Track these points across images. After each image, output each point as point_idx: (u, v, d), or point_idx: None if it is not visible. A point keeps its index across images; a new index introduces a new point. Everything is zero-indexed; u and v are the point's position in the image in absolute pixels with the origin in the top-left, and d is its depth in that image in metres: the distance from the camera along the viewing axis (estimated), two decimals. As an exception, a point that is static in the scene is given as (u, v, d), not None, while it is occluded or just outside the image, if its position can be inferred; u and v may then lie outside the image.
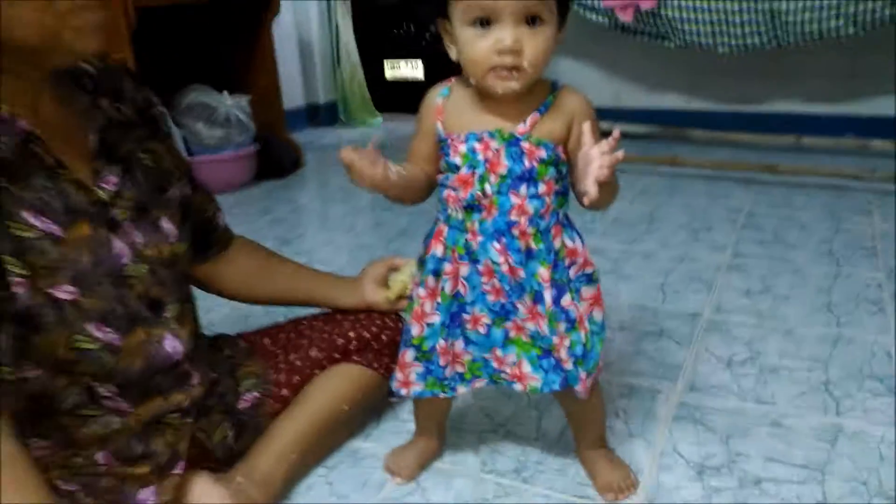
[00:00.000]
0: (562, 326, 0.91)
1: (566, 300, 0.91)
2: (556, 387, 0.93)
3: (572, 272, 0.92)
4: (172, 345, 0.91)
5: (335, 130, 3.81)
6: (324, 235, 2.21)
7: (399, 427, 1.21)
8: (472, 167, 0.87)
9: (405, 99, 4.15)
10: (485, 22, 0.81)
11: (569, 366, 0.92)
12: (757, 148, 2.82)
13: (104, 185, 0.86)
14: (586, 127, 0.82)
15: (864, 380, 1.27)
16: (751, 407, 1.22)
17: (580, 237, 0.93)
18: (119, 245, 0.86)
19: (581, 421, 1.04)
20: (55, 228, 0.79)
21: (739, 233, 2.03)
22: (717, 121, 3.03)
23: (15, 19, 0.72)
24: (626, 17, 2.71)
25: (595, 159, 0.78)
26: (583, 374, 0.92)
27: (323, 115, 3.88)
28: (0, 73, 0.76)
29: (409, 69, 4.40)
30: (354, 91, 3.83)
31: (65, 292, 0.79)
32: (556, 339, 0.91)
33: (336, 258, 1.98)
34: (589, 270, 0.93)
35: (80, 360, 0.82)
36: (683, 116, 3.15)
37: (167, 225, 0.94)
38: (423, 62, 4.35)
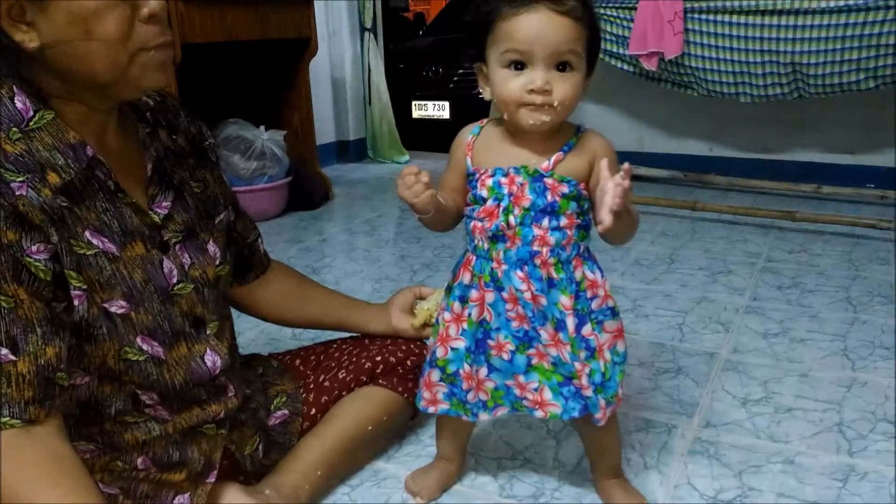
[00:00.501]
0: (582, 355, 0.96)
1: (587, 330, 0.96)
2: (576, 414, 0.97)
3: (595, 304, 0.96)
4: (212, 359, 0.96)
5: (363, 166, 3.92)
6: (350, 265, 2.27)
7: (420, 450, 1.25)
8: (498, 200, 0.93)
9: (432, 137, 4.26)
10: (519, 65, 0.88)
11: (588, 393, 0.96)
12: (777, 195, 2.88)
13: (158, 210, 0.93)
14: (604, 163, 0.87)
15: (877, 422, 1.30)
16: (764, 444, 1.24)
17: (601, 270, 0.98)
18: (169, 265, 0.92)
19: (598, 450, 1.07)
20: (112, 247, 0.86)
21: (758, 277, 2.06)
22: (738, 168, 3.09)
23: (90, 58, 0.79)
24: (650, 65, 2.79)
25: (609, 190, 0.84)
26: (602, 402, 0.96)
27: (352, 151, 3.99)
28: (70, 103, 0.84)
29: (435, 110, 4.52)
30: (383, 129, 3.94)
31: (118, 307, 0.86)
32: (578, 366, 0.96)
33: (361, 288, 2.04)
34: (611, 304, 0.98)
35: (127, 369, 0.88)
36: (705, 162, 3.21)
37: (213, 248, 1.00)
38: (449, 103, 4.47)
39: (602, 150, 0.95)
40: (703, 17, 2.65)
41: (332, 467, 1.12)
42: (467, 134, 1.00)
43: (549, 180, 0.92)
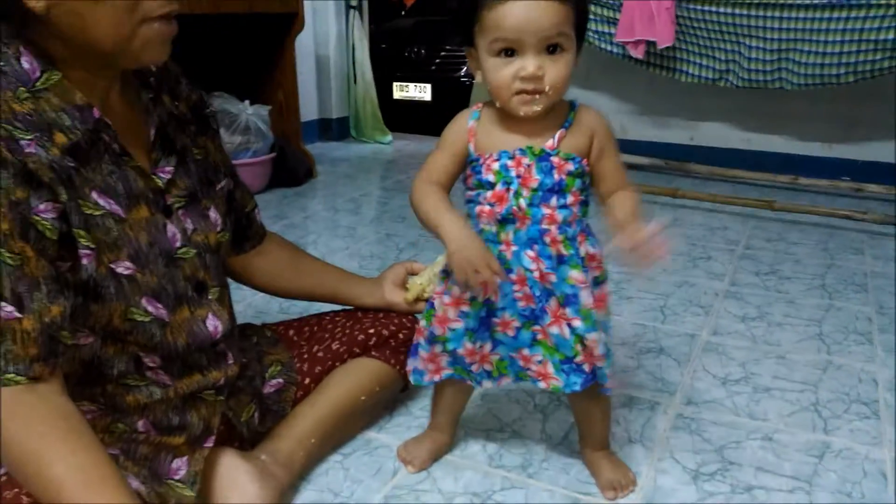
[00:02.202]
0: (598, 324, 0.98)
1: (597, 300, 0.98)
2: (577, 388, 0.99)
3: (590, 276, 0.99)
4: (214, 324, 0.97)
5: (346, 145, 3.91)
6: (335, 242, 2.28)
7: (410, 422, 1.27)
8: (507, 183, 0.94)
9: (413, 119, 4.27)
10: (509, 52, 0.88)
11: (601, 363, 0.98)
12: (755, 185, 2.94)
13: (161, 174, 0.93)
14: (626, 198, 0.95)
15: (851, 403, 1.34)
16: (744, 422, 1.29)
17: (598, 243, 1.01)
18: (172, 229, 0.93)
19: (588, 421, 1.10)
20: (117, 209, 0.86)
21: (737, 263, 2.11)
22: (719, 157, 3.13)
23: (94, 23, 0.78)
24: (637, 53, 2.81)
25: (635, 239, 0.88)
26: (609, 371, 1.00)
27: (334, 129, 3.97)
28: (74, 67, 0.83)
29: (417, 91, 4.52)
30: (367, 109, 3.92)
31: (124, 267, 0.86)
32: (594, 336, 0.96)
33: (347, 264, 2.03)
34: (597, 273, 1.00)
35: (132, 329, 0.88)
36: (686, 151, 3.26)
37: (214, 214, 1.01)
38: (431, 85, 4.47)
39: (599, 126, 0.97)
40: (694, 6, 2.68)
41: (325, 435, 1.13)
42: (467, 119, 0.99)
43: (555, 159, 0.93)
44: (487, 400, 1.34)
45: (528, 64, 0.87)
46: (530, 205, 0.94)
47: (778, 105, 3.04)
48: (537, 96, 0.89)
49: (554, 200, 0.94)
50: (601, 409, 1.08)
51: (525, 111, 0.90)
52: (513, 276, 0.96)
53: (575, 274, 0.95)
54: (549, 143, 0.94)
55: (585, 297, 0.96)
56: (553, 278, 0.96)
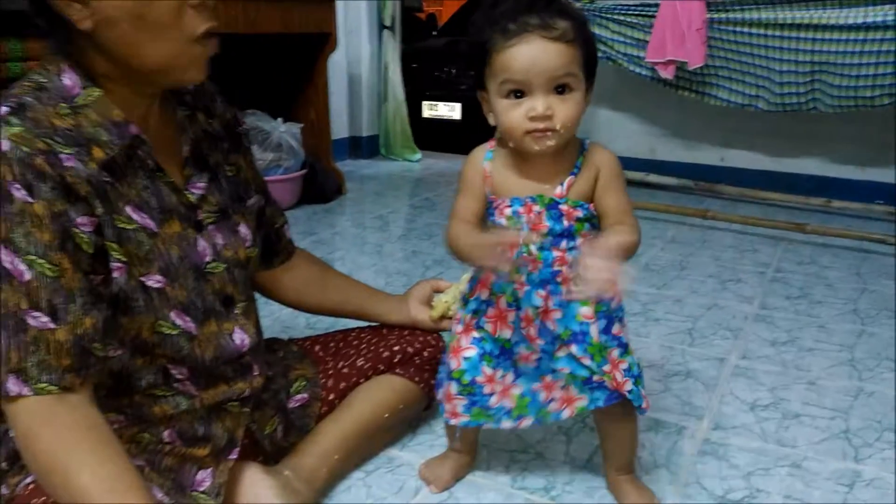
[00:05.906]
0: (615, 353, 0.99)
1: (616, 328, 0.99)
2: (601, 403, 1.00)
3: (613, 304, 0.99)
4: (240, 338, 0.99)
5: (375, 163, 3.94)
6: (363, 259, 2.29)
7: (433, 440, 1.27)
8: (519, 230, 0.95)
9: (441, 138, 4.29)
10: (518, 93, 0.90)
11: (629, 386, 0.98)
12: (787, 207, 2.90)
13: (193, 190, 0.95)
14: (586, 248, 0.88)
15: (882, 431, 1.31)
16: (772, 448, 1.26)
17: None
18: (203, 244, 0.95)
19: (615, 444, 1.09)
20: (151, 223, 0.88)
21: (767, 286, 2.08)
22: (749, 179, 3.10)
23: (140, 41, 0.81)
24: (667, 74, 2.81)
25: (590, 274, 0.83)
26: (643, 392, 1.00)
27: (364, 147, 4.01)
28: (117, 84, 0.86)
29: (446, 110, 4.56)
30: (397, 127, 3.96)
31: (154, 281, 0.88)
32: (607, 367, 0.98)
33: (374, 281, 2.05)
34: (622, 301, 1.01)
35: (161, 343, 0.90)
36: (716, 172, 3.23)
37: (244, 230, 1.02)
38: (461, 104, 4.50)
39: (606, 164, 0.97)
40: (726, 27, 2.68)
41: (349, 452, 1.14)
42: (481, 160, 1.00)
43: (563, 206, 0.94)
44: (511, 420, 1.34)
45: (537, 104, 0.88)
46: (541, 249, 0.95)
47: (810, 127, 3.01)
48: (549, 133, 0.89)
49: (564, 244, 0.95)
50: (628, 431, 1.07)
51: (539, 147, 0.91)
52: (521, 314, 0.98)
53: (584, 310, 0.96)
54: (559, 191, 0.95)
55: (594, 332, 0.97)
56: (557, 315, 0.96)
